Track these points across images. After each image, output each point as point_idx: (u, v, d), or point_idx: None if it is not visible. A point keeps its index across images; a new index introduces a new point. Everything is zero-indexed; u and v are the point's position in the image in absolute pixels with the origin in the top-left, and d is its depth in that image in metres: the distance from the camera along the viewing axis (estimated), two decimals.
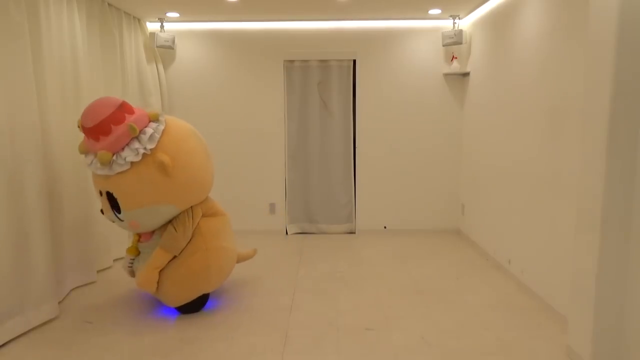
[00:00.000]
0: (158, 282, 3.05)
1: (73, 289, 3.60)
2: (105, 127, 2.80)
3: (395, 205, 5.35)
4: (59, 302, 3.31)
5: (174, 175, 2.93)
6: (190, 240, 3.07)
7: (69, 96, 3.56)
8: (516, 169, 3.73)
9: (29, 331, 2.92)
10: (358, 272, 4.03)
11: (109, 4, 4.18)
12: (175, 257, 3.04)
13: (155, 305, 3.36)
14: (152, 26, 5.03)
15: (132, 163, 2.85)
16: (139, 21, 4.79)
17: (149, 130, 2.90)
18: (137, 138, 2.85)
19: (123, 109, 2.88)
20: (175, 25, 5.08)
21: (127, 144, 2.83)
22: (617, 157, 2.27)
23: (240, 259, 3.64)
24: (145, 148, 2.85)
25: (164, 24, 4.98)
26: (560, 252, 3.05)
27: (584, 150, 2.45)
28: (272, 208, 5.35)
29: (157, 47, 4.88)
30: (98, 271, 3.98)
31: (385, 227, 5.37)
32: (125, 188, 2.88)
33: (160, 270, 3.04)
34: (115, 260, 4.33)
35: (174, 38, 4.97)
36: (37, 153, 3.02)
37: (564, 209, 3.00)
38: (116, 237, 4.31)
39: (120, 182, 2.87)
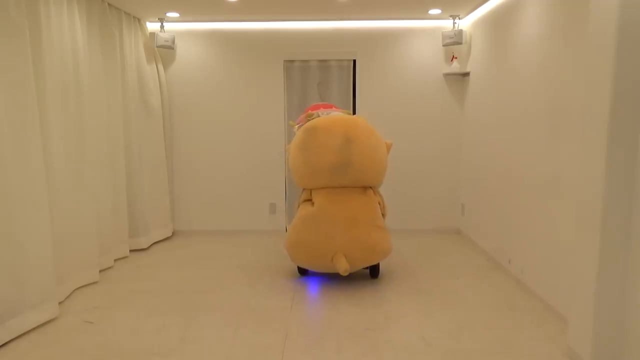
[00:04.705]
0: None
1: (75, 289, 3.60)
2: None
3: (395, 205, 5.34)
4: (61, 303, 3.31)
5: (288, 159, 3.85)
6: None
7: (69, 96, 3.56)
8: (516, 169, 3.73)
9: (29, 331, 2.92)
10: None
11: (109, 4, 4.18)
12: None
13: (154, 306, 3.36)
14: (152, 26, 5.03)
15: None
16: (139, 21, 4.79)
17: (296, 127, 4.08)
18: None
19: (306, 111, 4.17)
20: (175, 25, 5.08)
21: None
22: (617, 157, 2.27)
23: (337, 264, 3.49)
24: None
25: (164, 24, 4.98)
26: (560, 252, 3.05)
27: (584, 150, 2.45)
28: (272, 208, 5.35)
29: (157, 47, 4.88)
30: (100, 271, 3.99)
31: None
32: None
33: None
34: (117, 260, 4.34)
35: (174, 38, 4.97)
36: (38, 153, 3.02)
37: (564, 209, 3.00)
38: (117, 237, 4.31)
39: None
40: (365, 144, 3.55)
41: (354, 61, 5.19)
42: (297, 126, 4.08)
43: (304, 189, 3.81)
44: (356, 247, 3.51)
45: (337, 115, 3.82)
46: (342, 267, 3.42)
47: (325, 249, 3.51)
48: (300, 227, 3.60)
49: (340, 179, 3.57)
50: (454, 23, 4.94)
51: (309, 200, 3.73)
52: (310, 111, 4.04)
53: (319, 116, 3.90)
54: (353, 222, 3.52)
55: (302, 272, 3.95)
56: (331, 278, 3.88)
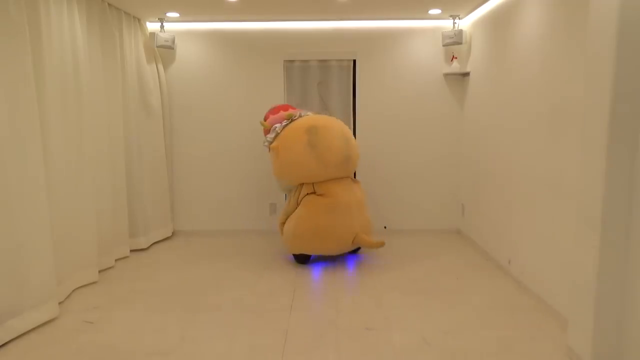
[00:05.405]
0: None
1: (75, 289, 3.61)
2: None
3: (395, 205, 5.35)
4: (60, 303, 3.31)
5: (279, 157, 4.06)
6: (297, 208, 4.14)
7: (69, 96, 3.56)
8: (516, 169, 3.73)
9: (29, 331, 2.93)
10: (358, 271, 4.03)
11: (109, 4, 4.18)
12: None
13: (154, 306, 3.36)
14: (152, 26, 5.03)
15: (268, 147, 4.19)
16: (139, 21, 4.79)
17: (276, 126, 4.15)
18: (270, 130, 4.21)
19: (271, 111, 4.38)
20: (175, 25, 5.08)
21: (266, 135, 4.26)
22: (617, 157, 2.27)
23: (362, 243, 4.06)
24: (270, 137, 4.17)
25: (164, 24, 4.98)
26: (560, 252, 3.05)
27: (584, 150, 2.45)
28: (272, 208, 5.35)
29: (157, 47, 4.88)
30: (100, 271, 3.99)
31: (385, 227, 5.37)
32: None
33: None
34: (117, 260, 4.34)
35: (174, 38, 4.97)
36: (37, 152, 3.02)
37: (564, 209, 3.00)
38: (117, 237, 4.31)
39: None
40: (353, 141, 4.25)
41: (354, 61, 5.19)
42: (279, 125, 4.17)
43: (304, 184, 4.13)
44: (365, 226, 4.16)
45: (320, 115, 4.29)
46: (376, 242, 4.00)
47: (347, 232, 4.03)
48: (320, 216, 3.99)
49: (342, 172, 4.14)
50: (454, 23, 4.94)
51: (312, 193, 4.08)
52: (285, 111, 4.30)
53: (300, 116, 4.21)
54: (359, 206, 4.16)
55: (302, 260, 4.23)
56: (331, 277, 3.88)
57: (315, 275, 3.96)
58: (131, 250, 4.60)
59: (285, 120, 4.18)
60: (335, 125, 4.14)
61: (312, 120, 4.11)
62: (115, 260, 4.31)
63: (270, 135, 4.17)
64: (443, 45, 4.94)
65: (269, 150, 4.21)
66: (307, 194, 4.10)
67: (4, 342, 2.76)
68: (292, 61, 5.21)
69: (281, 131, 4.14)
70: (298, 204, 4.14)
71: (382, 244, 4.00)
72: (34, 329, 2.96)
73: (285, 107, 4.40)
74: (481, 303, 3.34)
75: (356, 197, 4.16)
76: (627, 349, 2.33)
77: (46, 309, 3.05)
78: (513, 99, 3.79)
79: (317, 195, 4.07)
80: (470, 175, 4.93)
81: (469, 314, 3.17)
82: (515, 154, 3.74)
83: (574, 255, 2.55)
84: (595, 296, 2.36)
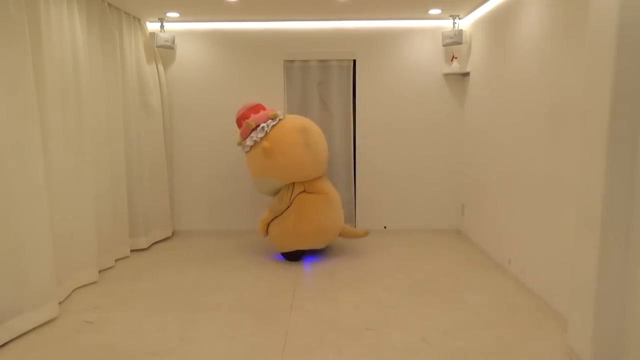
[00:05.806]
0: (269, 232, 4.30)
1: (75, 289, 3.61)
2: (239, 122, 4.31)
3: (395, 205, 5.35)
4: (60, 303, 3.31)
5: (273, 157, 4.03)
6: (288, 207, 4.17)
7: (69, 96, 3.56)
8: (516, 169, 3.73)
9: (29, 331, 2.93)
10: (358, 271, 4.03)
11: (109, 4, 4.18)
12: (277, 216, 4.24)
13: (154, 306, 3.36)
14: (152, 26, 5.03)
15: (251, 146, 4.14)
16: (139, 21, 4.79)
17: (263, 125, 4.10)
18: (255, 130, 4.09)
19: (251, 109, 4.28)
20: (175, 25, 5.08)
21: (249, 134, 4.12)
22: (617, 157, 2.27)
23: (349, 235, 4.42)
24: (257, 137, 4.07)
25: (164, 24, 4.98)
26: (560, 252, 3.05)
27: (584, 150, 2.45)
28: None
29: (157, 47, 4.88)
30: (100, 271, 3.99)
31: (385, 227, 5.37)
32: (249, 162, 4.23)
33: (272, 223, 4.28)
34: (117, 260, 4.34)
35: (174, 38, 4.97)
36: (37, 152, 3.02)
37: (564, 209, 3.00)
38: (118, 237, 4.31)
39: (247, 158, 4.25)
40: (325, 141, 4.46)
41: (354, 61, 5.19)
42: (265, 124, 4.11)
43: (295, 183, 4.22)
44: (343, 219, 4.46)
45: (298, 116, 4.41)
46: (362, 232, 4.42)
47: (337, 225, 4.28)
48: (319, 212, 4.15)
49: (324, 170, 4.40)
50: (454, 23, 4.94)
51: (304, 191, 4.22)
52: (265, 110, 4.30)
53: (284, 115, 4.31)
54: (339, 201, 4.39)
55: (296, 257, 4.34)
56: (330, 277, 3.88)
57: (310, 271, 4.04)
58: (131, 250, 4.60)
59: (271, 120, 4.14)
60: (314, 126, 4.34)
61: (298, 120, 4.25)
62: (115, 260, 4.31)
63: (259, 135, 4.10)
64: (443, 45, 4.94)
65: (249, 150, 4.15)
66: (301, 192, 4.21)
67: (4, 342, 2.76)
68: (292, 61, 5.21)
69: (270, 131, 4.10)
70: (290, 203, 4.18)
71: (366, 234, 4.42)
72: (34, 329, 2.96)
73: (261, 106, 4.37)
74: (481, 303, 3.34)
75: (336, 192, 4.43)
76: (627, 349, 2.33)
77: (46, 309, 3.05)
78: (513, 98, 3.79)
79: (308, 193, 4.21)
80: (470, 175, 4.93)
81: (469, 313, 3.17)
82: (515, 153, 3.74)
83: (574, 255, 2.55)
84: (595, 296, 2.36)
